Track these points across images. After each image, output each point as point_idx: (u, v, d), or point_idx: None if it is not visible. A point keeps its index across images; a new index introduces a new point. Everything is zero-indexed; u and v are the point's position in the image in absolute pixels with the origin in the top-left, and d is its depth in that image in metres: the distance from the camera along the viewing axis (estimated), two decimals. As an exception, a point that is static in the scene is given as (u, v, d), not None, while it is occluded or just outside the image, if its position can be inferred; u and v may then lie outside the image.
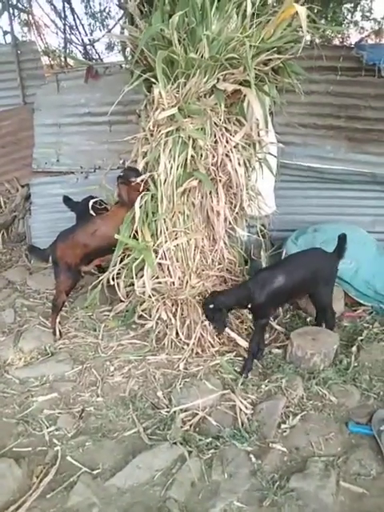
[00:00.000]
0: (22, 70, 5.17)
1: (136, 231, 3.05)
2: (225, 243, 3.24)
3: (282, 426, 2.38)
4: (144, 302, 3.11)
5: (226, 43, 2.81)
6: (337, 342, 2.89)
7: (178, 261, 3.10)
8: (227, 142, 2.97)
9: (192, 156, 2.95)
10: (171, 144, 2.96)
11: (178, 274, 3.09)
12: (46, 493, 1.99)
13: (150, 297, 2.99)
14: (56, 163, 4.96)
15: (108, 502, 1.96)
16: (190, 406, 2.52)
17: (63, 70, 5.37)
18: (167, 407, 2.54)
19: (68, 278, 3.18)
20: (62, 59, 8.00)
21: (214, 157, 2.99)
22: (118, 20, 5.33)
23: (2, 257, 4.93)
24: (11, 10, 5.92)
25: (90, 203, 3.28)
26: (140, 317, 3.22)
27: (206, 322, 3.00)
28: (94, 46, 8.12)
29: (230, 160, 2.98)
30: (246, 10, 2.77)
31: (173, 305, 3.06)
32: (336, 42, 7.95)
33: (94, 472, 2.11)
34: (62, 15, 7.57)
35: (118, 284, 3.13)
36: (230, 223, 3.21)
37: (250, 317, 3.20)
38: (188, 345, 3.01)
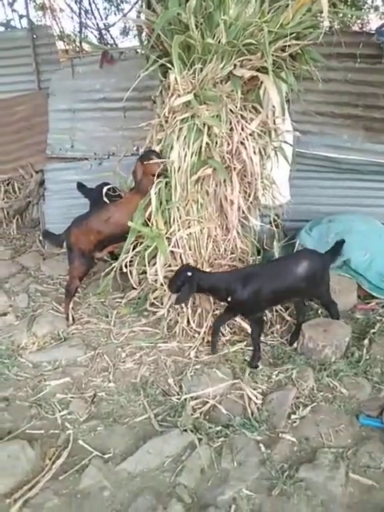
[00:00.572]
0: (38, 54, 5.16)
1: (149, 219, 3.05)
2: (238, 233, 3.22)
3: (292, 416, 2.38)
4: (156, 289, 3.12)
5: (243, 28, 2.75)
6: (349, 334, 2.87)
7: (190, 249, 3.09)
8: (243, 129, 2.93)
9: (207, 143, 2.92)
10: (186, 131, 2.93)
11: (191, 262, 3.08)
12: (58, 474, 2.03)
13: (162, 285, 3.00)
14: (70, 149, 4.97)
15: (119, 486, 1.99)
16: (201, 393, 2.54)
17: (78, 54, 5.33)
18: (178, 394, 2.56)
19: (82, 264, 3.21)
20: (77, 44, 7.94)
21: (228, 144, 2.95)
22: (134, 4, 5.26)
23: (16, 242, 4.99)
24: (27, -6, 5.87)
25: (104, 190, 3.28)
26: (152, 304, 3.23)
27: (217, 311, 3.01)
28: (109, 31, 8.05)
29: (245, 148, 2.94)
30: (264, -6, 2.71)
31: (185, 293, 3.06)
32: (355, 28, 7.73)
33: (105, 456, 2.14)
34: (77, -1, 7.50)
35: (130, 271, 3.14)
36: (243, 212, 3.18)
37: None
38: (199, 333, 3.03)
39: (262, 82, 2.86)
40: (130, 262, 3.14)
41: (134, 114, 4.57)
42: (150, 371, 2.80)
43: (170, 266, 3.09)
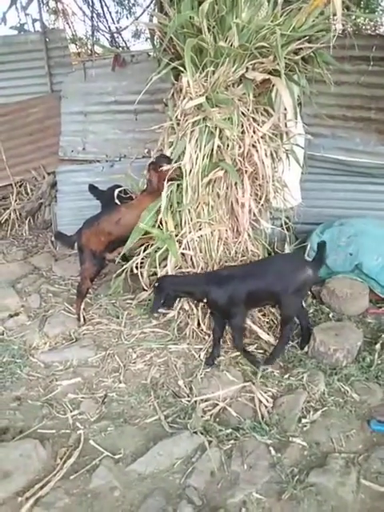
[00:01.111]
0: (50, 57, 5.22)
1: (160, 221, 3.06)
2: (249, 235, 3.22)
3: (303, 420, 2.37)
4: (167, 291, 3.12)
5: (256, 31, 2.76)
6: (360, 339, 2.85)
7: (201, 252, 3.10)
8: (254, 132, 2.94)
9: (218, 146, 2.93)
10: (198, 134, 2.95)
11: (201, 264, 3.09)
12: (69, 474, 2.05)
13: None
14: (82, 151, 5.02)
15: (129, 487, 2.00)
16: (211, 396, 2.54)
17: (90, 58, 5.37)
18: (188, 396, 2.57)
19: (93, 264, 3.23)
20: (89, 47, 8.00)
21: (240, 147, 2.96)
22: (146, 7, 5.28)
23: (28, 243, 5.03)
24: (40, -2, 5.94)
25: (115, 192, 3.30)
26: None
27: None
28: (120, 34, 8.09)
29: (257, 151, 2.94)
30: (277, -2, 2.72)
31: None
32: (369, 30, 7.67)
33: (116, 456, 2.16)
34: (90, 2, 7.55)
35: (141, 273, 3.16)
36: (254, 215, 3.19)
37: (272, 310, 3.19)
38: (209, 335, 3.02)
39: (273, 85, 2.87)
40: (141, 263, 3.16)
41: (145, 117, 4.61)
42: (160, 373, 2.80)
43: (180, 267, 3.10)
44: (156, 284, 2.76)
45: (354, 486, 1.98)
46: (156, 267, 3.06)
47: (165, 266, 3.04)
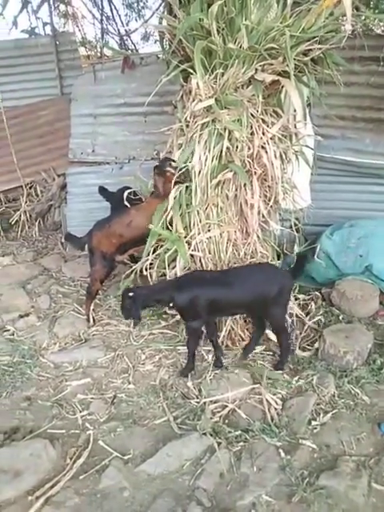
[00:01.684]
0: (60, 60, 5.29)
1: (169, 223, 3.07)
2: (258, 237, 3.20)
3: (313, 422, 2.36)
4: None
5: (265, 33, 2.75)
6: (371, 341, 2.83)
7: (210, 253, 3.10)
8: (263, 133, 2.92)
9: (227, 148, 2.92)
10: (207, 135, 2.94)
11: (210, 266, 3.08)
12: (78, 474, 2.06)
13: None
14: (91, 153, 5.05)
15: (138, 488, 2.01)
16: (220, 397, 2.54)
17: (100, 60, 5.41)
18: (197, 398, 2.57)
19: (103, 266, 3.25)
20: (99, 50, 8.06)
21: (249, 149, 2.94)
22: (155, 10, 5.30)
23: (38, 244, 5.08)
24: (51, 1, 6.00)
25: (125, 194, 3.32)
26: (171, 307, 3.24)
27: (237, 316, 3.00)
28: (130, 37, 8.13)
29: (266, 152, 2.93)
30: (286, -1, 2.71)
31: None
32: (378, 31, 7.62)
33: (125, 457, 2.16)
34: (100, 6, 7.61)
35: (150, 274, 3.16)
36: (263, 216, 3.17)
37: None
38: (218, 337, 3.02)
39: (283, 86, 2.86)
40: (150, 264, 3.16)
41: (154, 119, 4.62)
42: (169, 374, 2.81)
43: (189, 269, 3.10)
44: (130, 294, 2.67)
45: (365, 490, 1.96)
46: (165, 268, 3.07)
47: (174, 267, 3.05)
